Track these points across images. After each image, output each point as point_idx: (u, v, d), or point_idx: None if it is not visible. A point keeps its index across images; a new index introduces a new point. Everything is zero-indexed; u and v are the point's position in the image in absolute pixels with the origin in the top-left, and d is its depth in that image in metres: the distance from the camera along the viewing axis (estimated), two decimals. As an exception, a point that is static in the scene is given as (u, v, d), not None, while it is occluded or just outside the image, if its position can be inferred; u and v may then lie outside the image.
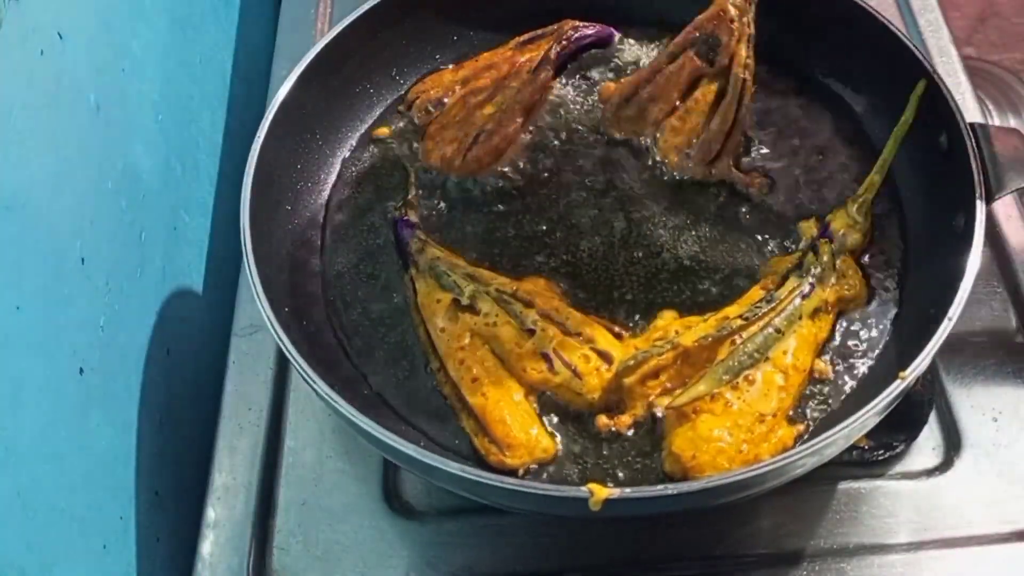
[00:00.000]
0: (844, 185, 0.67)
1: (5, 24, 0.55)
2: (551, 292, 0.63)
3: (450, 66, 0.77)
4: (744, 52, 0.68)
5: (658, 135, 0.70)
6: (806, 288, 0.60)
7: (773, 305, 0.59)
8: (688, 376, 0.58)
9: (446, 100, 0.74)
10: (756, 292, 0.62)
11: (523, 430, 0.57)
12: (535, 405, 0.59)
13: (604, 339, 0.59)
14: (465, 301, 0.61)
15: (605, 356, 0.58)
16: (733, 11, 0.68)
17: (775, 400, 0.57)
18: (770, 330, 0.58)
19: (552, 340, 0.58)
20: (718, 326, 0.58)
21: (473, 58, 0.77)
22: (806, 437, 0.56)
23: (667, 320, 0.61)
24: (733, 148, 0.68)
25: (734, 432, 0.55)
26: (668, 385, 0.58)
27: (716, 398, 0.56)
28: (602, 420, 0.58)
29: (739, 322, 0.58)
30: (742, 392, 0.56)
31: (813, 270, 0.61)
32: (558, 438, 0.58)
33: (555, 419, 0.58)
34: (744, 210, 0.67)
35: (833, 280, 0.61)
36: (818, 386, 0.59)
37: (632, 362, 0.57)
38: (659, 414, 0.57)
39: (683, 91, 0.69)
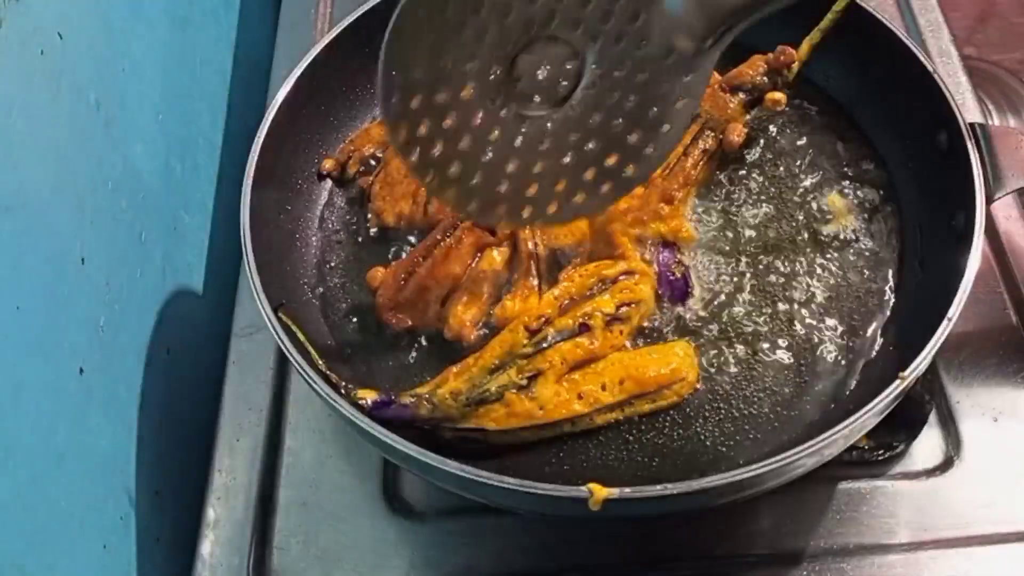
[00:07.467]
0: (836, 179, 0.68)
1: (5, 24, 0.55)
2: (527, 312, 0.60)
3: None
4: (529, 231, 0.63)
5: (448, 316, 0.62)
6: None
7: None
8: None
9: (380, 155, 0.70)
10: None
11: (668, 361, 0.59)
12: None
13: (611, 268, 0.61)
14: (519, 382, 0.57)
15: (631, 274, 0.61)
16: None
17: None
18: None
19: (589, 316, 0.58)
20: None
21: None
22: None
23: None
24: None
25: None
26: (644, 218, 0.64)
27: None
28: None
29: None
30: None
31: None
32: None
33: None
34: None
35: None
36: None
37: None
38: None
39: (466, 265, 0.62)
